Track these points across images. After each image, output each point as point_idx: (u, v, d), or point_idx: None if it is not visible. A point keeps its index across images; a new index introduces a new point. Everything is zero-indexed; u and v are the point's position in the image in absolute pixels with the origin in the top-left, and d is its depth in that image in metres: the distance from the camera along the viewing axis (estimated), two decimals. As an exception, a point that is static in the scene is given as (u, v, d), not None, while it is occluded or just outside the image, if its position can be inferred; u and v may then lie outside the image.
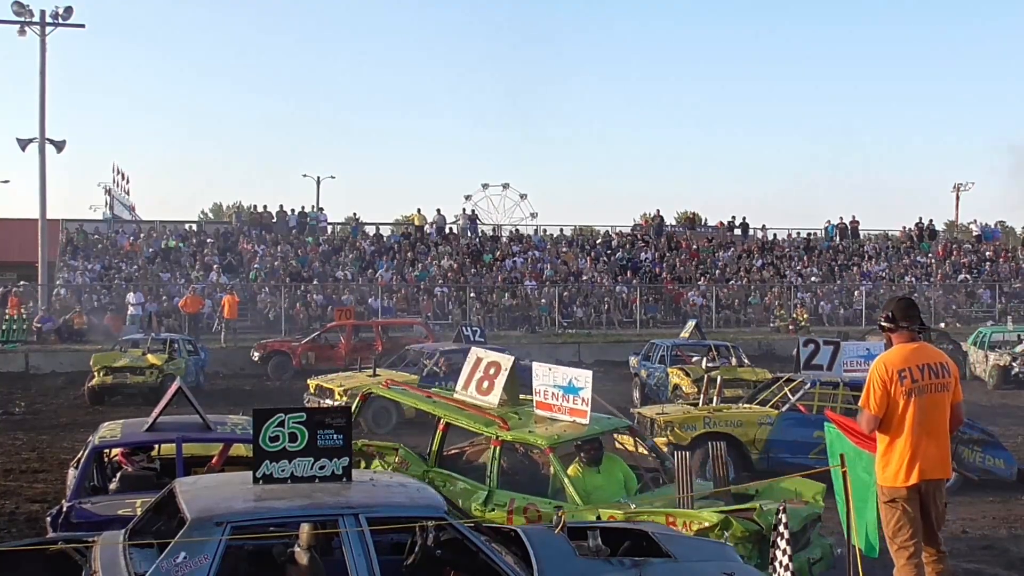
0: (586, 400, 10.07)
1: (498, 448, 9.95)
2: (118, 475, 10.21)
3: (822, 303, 42.35)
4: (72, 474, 10.17)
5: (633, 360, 26.29)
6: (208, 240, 43.61)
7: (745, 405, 15.81)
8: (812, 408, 14.85)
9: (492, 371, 10.65)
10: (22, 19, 36.93)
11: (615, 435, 11.03)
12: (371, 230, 47.14)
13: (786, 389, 15.48)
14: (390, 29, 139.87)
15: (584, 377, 10.25)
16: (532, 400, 10.66)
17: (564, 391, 10.25)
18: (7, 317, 32.66)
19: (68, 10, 37.38)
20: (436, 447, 10.58)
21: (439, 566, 7.19)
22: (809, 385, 15.04)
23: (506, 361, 10.75)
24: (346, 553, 6.41)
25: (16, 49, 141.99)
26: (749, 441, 14.50)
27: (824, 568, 8.86)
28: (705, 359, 22.55)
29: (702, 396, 16.23)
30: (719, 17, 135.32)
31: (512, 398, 10.90)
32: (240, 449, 10.10)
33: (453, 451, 11.35)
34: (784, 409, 14.90)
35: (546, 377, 10.45)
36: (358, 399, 12.06)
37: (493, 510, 9.53)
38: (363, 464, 10.68)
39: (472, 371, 10.87)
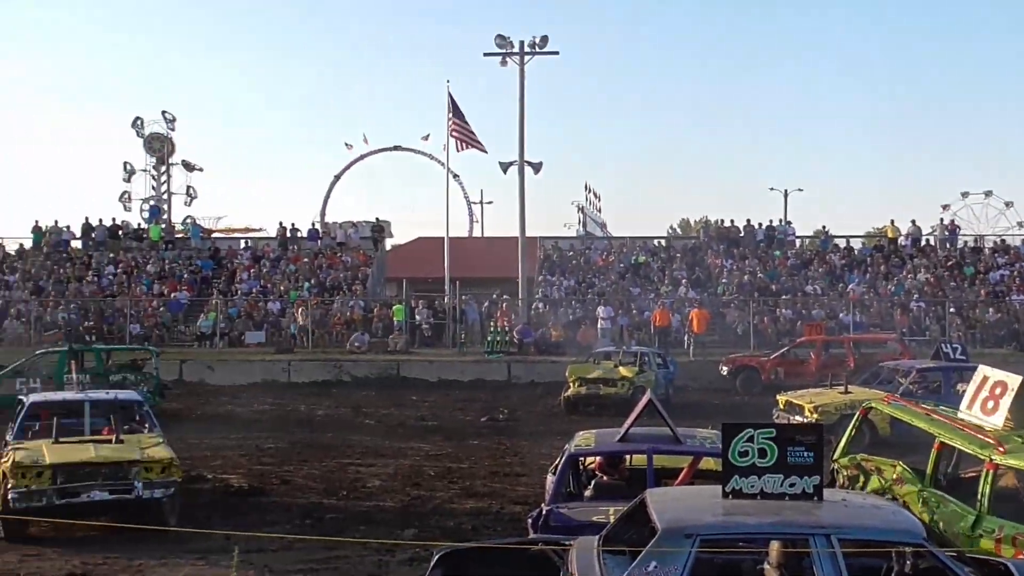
0: None
1: (991, 472, 9.30)
2: (593, 483, 10.58)
3: None
4: (550, 480, 10.66)
5: None
6: (676, 255, 44.33)
7: None
8: None
9: (998, 391, 10.07)
10: (504, 51, 39.40)
11: None
12: (841, 243, 45.92)
13: None
14: (850, 35, 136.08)
15: None
16: None
17: None
18: (492, 329, 34.89)
19: (544, 39, 39.39)
20: (932, 466, 10.17)
21: (916, 595, 6.82)
22: None
23: (1013, 381, 10.10)
24: (816, 574, 6.24)
25: (497, 79, 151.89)
26: None
27: None
28: None
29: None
30: None
31: (1020, 420, 10.15)
32: (709, 463, 10.13)
33: (970, 473, 10.67)
34: None
35: None
36: (858, 413, 11.77)
37: (980, 536, 8.99)
38: (861, 480, 10.63)
39: (977, 390, 10.36)
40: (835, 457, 11.02)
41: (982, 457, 9.55)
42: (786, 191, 68.34)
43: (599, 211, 59.79)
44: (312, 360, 32.76)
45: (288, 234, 44.47)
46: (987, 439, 9.59)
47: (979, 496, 9.32)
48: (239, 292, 39.18)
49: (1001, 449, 9.31)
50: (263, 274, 40.86)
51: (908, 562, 6.71)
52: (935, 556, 6.54)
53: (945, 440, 10.04)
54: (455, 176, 54.27)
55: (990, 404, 10.05)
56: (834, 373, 22.90)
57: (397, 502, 14.58)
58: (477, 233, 66.83)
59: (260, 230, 50.26)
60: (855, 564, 6.75)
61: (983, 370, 10.59)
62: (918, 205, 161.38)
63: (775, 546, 6.61)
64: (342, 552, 11.27)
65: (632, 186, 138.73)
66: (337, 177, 68.45)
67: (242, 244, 46.13)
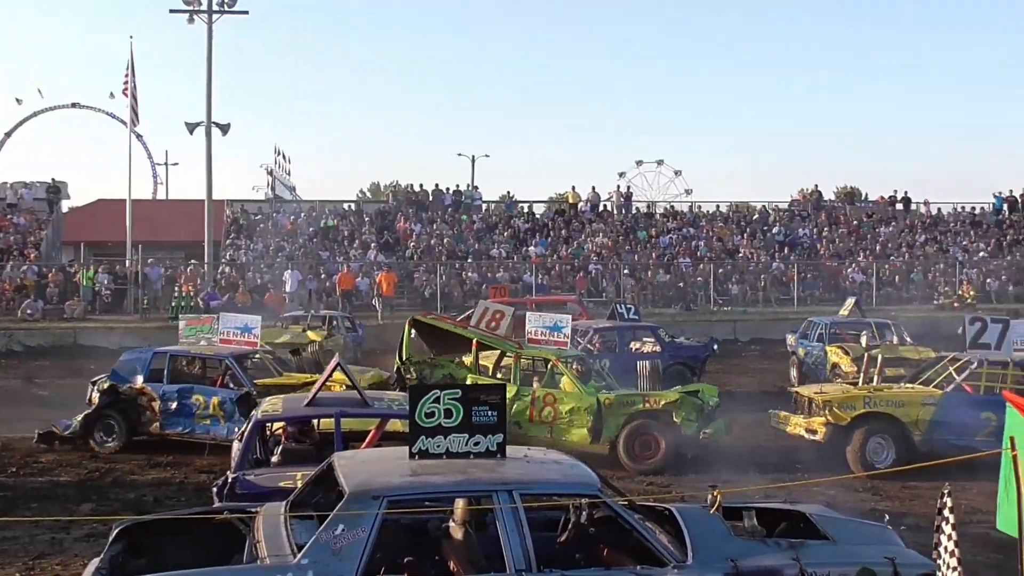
0: (567, 335, 15.99)
1: (516, 361, 15.73)
2: (279, 448, 10.50)
3: (989, 280, 40.83)
4: (236, 447, 10.49)
5: (790, 338, 25.89)
6: (366, 219, 44.39)
7: (907, 385, 15.38)
8: (979, 389, 14.37)
9: (498, 316, 16.12)
10: (191, 8, 38.07)
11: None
12: (525, 208, 47.35)
13: (951, 369, 14.97)
14: (538, 6, 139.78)
15: (566, 320, 16.26)
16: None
17: (550, 330, 15.92)
18: (176, 294, 33.83)
19: (234, -3, 38.40)
20: (473, 357, 16.00)
21: (592, 543, 7.18)
22: (976, 365, 14.52)
23: (508, 310, 16.39)
24: (500, 529, 6.46)
25: (185, 37, 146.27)
26: (912, 422, 14.13)
27: (717, 435, 14.51)
28: (865, 337, 22.03)
29: (862, 375, 15.88)
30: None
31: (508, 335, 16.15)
32: (396, 425, 10.25)
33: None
34: (949, 389, 14.44)
35: (537, 321, 16.15)
36: (407, 325, 16.65)
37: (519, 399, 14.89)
38: (428, 370, 16.11)
39: (482, 315, 16.16)
40: (404, 357, 15.99)
41: (507, 350, 15.93)
42: (473, 157, 69.71)
43: (288, 174, 58.73)
44: (-21, 328, 30.82)
45: (-50, 194, 41.57)
46: (512, 342, 15.97)
47: (513, 375, 15.46)
48: None
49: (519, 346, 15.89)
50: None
51: (584, 512, 7.04)
52: (608, 505, 6.90)
53: (479, 339, 15.80)
54: (138, 136, 52.05)
55: (492, 324, 15.93)
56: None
57: (74, 476, 13.98)
58: (162, 195, 64.45)
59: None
60: (537, 517, 7.03)
61: (483, 303, 17.01)
62: (597, 172, 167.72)
63: (460, 504, 6.79)
64: (11, 533, 10.71)
65: (323, 150, 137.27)
66: (8, 134, 64.12)
67: None
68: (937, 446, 13.83)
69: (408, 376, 15.70)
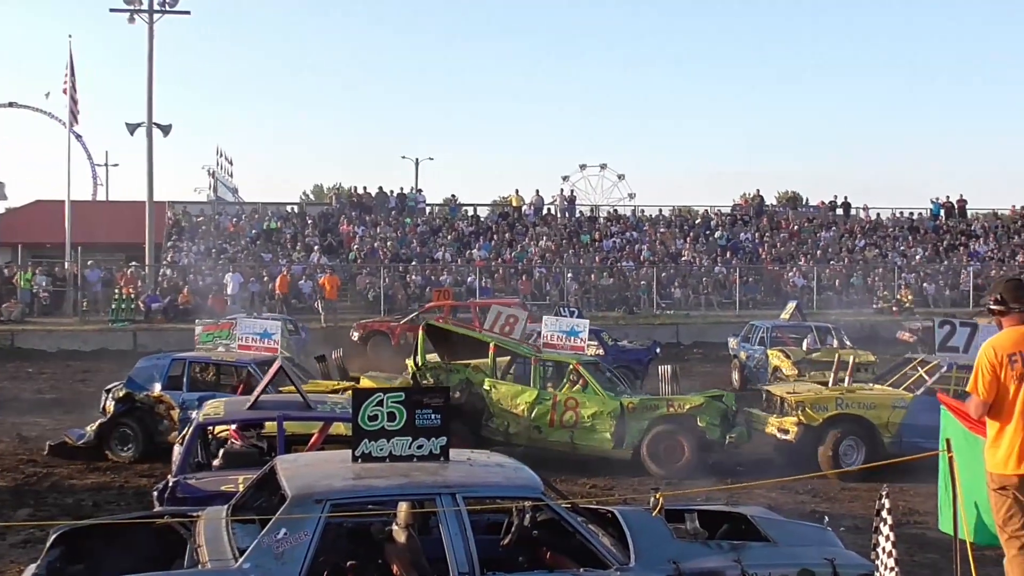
0: (584, 339, 16.33)
1: (537, 364, 15.46)
2: (221, 452, 10.40)
3: (926, 284, 41.44)
4: (177, 451, 10.38)
5: (732, 342, 26.06)
6: (309, 221, 44.15)
7: (877, 386, 15.50)
8: (949, 392, 14.53)
9: (512, 320, 15.83)
10: (132, 7, 37.69)
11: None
12: (469, 211, 47.36)
13: (921, 371, 15.09)
14: (484, 9, 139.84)
15: (583, 324, 16.88)
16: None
17: (567, 334, 16.32)
18: (117, 296, 33.45)
19: (175, -3, 38.10)
20: (491, 362, 15.36)
21: (535, 546, 7.20)
22: (945, 368, 14.66)
23: (521, 315, 16.26)
24: (443, 532, 6.44)
25: (126, 37, 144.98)
26: (882, 424, 14.27)
27: (740, 440, 14.63)
28: (806, 341, 22.27)
29: (832, 376, 15.99)
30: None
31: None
32: (340, 428, 10.19)
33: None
34: (919, 392, 14.56)
35: (554, 325, 16.77)
36: (421, 331, 15.68)
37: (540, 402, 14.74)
38: (444, 374, 15.14)
39: (495, 319, 15.79)
40: (420, 363, 15.10)
41: (525, 354, 15.79)
42: (417, 160, 69.65)
43: (231, 176, 58.25)
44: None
45: None
46: (528, 345, 16.18)
47: (532, 378, 15.30)
48: None
49: (538, 350, 16.06)
50: None
51: (528, 515, 7.05)
52: (552, 508, 6.91)
53: (499, 344, 15.41)
54: (78, 136, 51.39)
55: (507, 328, 15.67)
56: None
57: (10, 481, 13.73)
58: (101, 197, 63.72)
59: None
60: (480, 520, 7.03)
61: (496, 308, 16.46)
62: (541, 175, 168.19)
63: (403, 507, 6.77)
64: (-55, 540, 10.51)
65: (265, 151, 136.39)
66: (-58, 134, 63.27)
67: None
68: (905, 448, 13.92)
69: (425, 381, 14.94)
